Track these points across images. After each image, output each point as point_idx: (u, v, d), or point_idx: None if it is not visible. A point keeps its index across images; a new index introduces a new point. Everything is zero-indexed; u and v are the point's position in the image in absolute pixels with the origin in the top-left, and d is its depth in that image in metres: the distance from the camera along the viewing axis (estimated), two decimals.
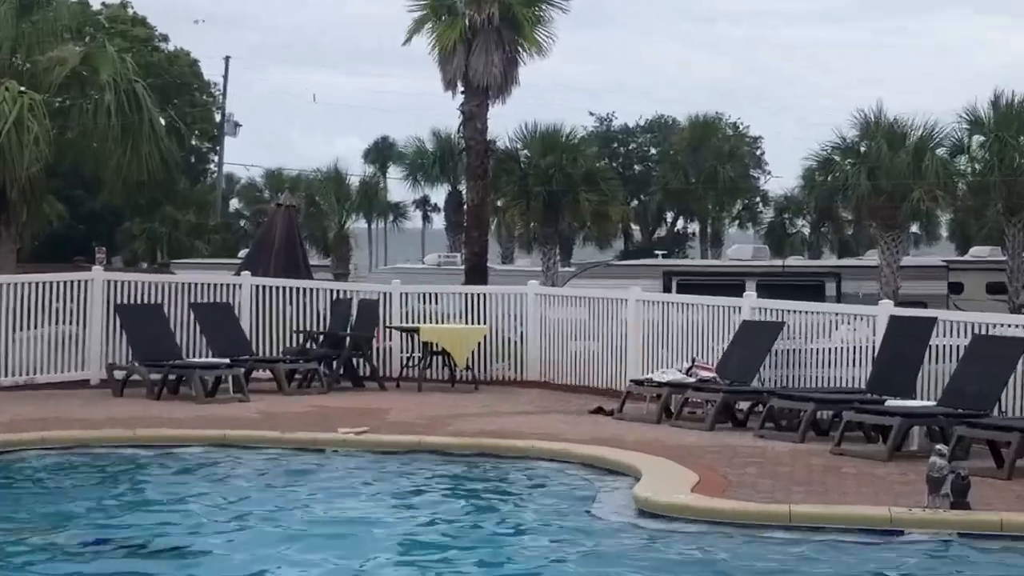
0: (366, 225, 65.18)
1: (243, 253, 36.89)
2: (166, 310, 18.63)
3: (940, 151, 34.45)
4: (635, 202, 64.55)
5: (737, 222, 64.61)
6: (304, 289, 19.98)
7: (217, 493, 11.68)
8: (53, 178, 28.61)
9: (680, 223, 66.92)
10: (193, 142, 49.89)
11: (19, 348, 17.94)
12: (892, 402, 13.53)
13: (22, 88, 21.65)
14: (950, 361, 14.03)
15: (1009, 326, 14.38)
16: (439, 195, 59.72)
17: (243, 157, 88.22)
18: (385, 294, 19.98)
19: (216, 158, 55.28)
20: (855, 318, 15.78)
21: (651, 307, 17.77)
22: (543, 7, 29.10)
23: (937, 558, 9.47)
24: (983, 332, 13.94)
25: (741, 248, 41.03)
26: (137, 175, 22.97)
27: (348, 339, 18.97)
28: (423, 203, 66.54)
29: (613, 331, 18.14)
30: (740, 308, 16.51)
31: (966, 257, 40.54)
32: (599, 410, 16.29)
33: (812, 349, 15.79)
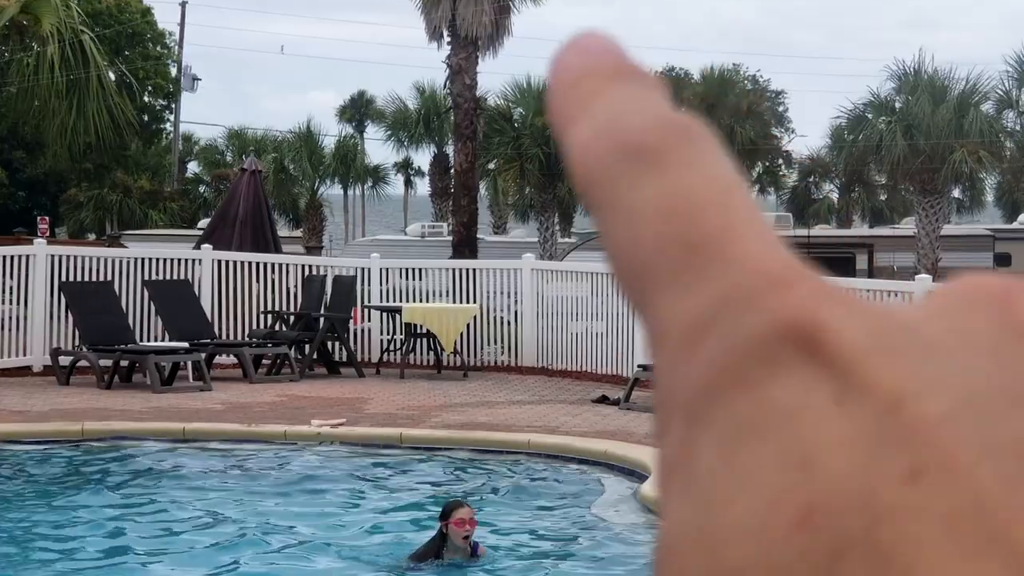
0: (341, 191, 65.22)
1: (203, 224, 36.95)
2: (117, 288, 18.62)
3: (985, 106, 34.46)
4: None
5: (757, 187, 64.66)
6: (272, 264, 19.98)
7: (169, 498, 11.65)
8: None
9: None
10: (146, 99, 49.66)
11: None
12: None
13: None
14: None
15: None
16: (423, 157, 59.85)
17: (203, 115, 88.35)
18: (363, 269, 19.99)
19: (172, 117, 55.14)
20: (889, 294, 15.80)
21: None
22: None
23: None
24: None
25: None
26: (84, 136, 22.97)
27: (322, 320, 18.97)
28: (405, 166, 66.55)
29: (619, 310, 18.15)
30: None
31: (1014, 225, 40.57)
32: (603, 399, 16.31)
33: None
